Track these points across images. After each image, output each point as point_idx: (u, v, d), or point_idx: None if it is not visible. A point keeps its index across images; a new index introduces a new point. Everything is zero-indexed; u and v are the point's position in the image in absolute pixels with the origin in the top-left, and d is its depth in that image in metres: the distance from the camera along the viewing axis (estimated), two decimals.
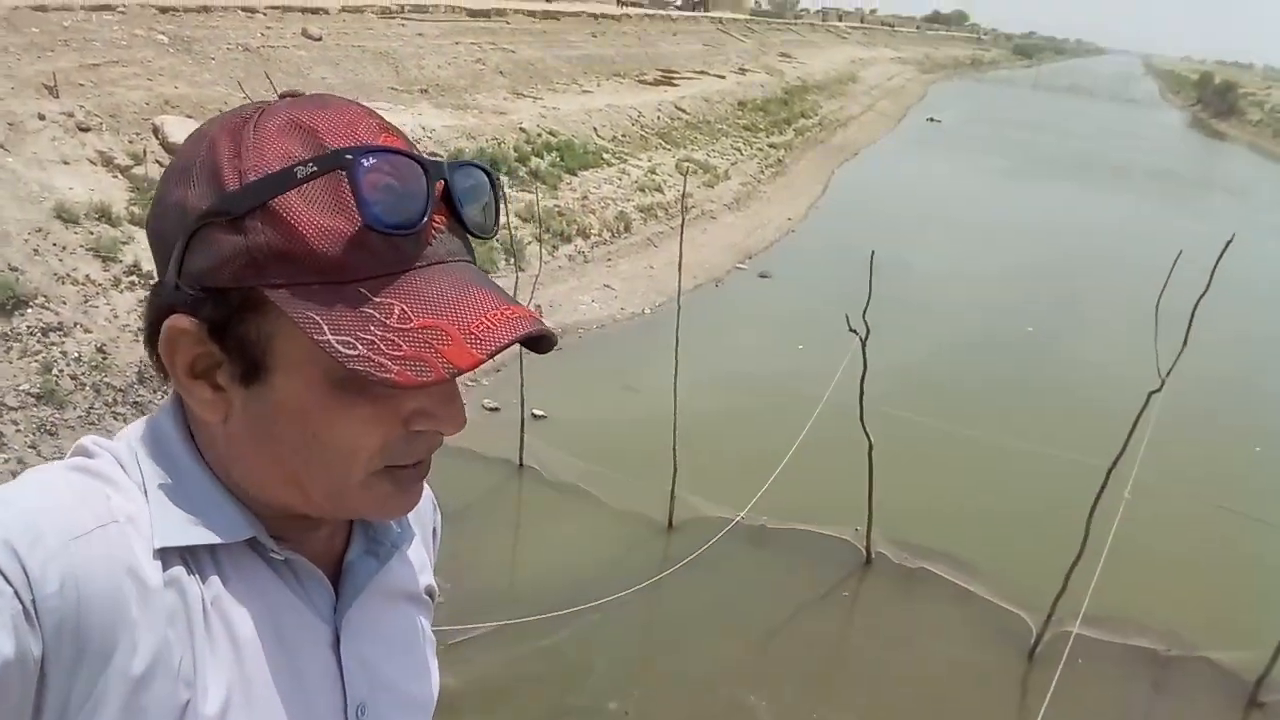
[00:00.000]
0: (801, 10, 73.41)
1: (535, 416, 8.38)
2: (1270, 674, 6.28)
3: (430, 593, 0.87)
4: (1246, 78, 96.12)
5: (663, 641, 6.48)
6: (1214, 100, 66.45)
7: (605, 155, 16.81)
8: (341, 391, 0.61)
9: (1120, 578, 7.14)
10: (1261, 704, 6.33)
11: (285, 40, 15.64)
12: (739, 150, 20.96)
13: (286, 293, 0.59)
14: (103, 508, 0.61)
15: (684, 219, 7.97)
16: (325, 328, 0.58)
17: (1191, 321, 5.51)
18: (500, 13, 24.43)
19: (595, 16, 29.56)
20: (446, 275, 0.62)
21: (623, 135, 18.40)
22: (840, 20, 72.78)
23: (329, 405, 0.62)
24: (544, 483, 7.64)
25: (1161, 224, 20.05)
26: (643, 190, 15.74)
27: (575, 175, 15.25)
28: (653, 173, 16.55)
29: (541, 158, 15.22)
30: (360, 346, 0.58)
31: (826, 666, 6.48)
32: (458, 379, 0.62)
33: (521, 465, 7.79)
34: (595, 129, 17.85)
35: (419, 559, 0.85)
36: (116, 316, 7.66)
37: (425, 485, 0.88)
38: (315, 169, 0.58)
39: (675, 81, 25.07)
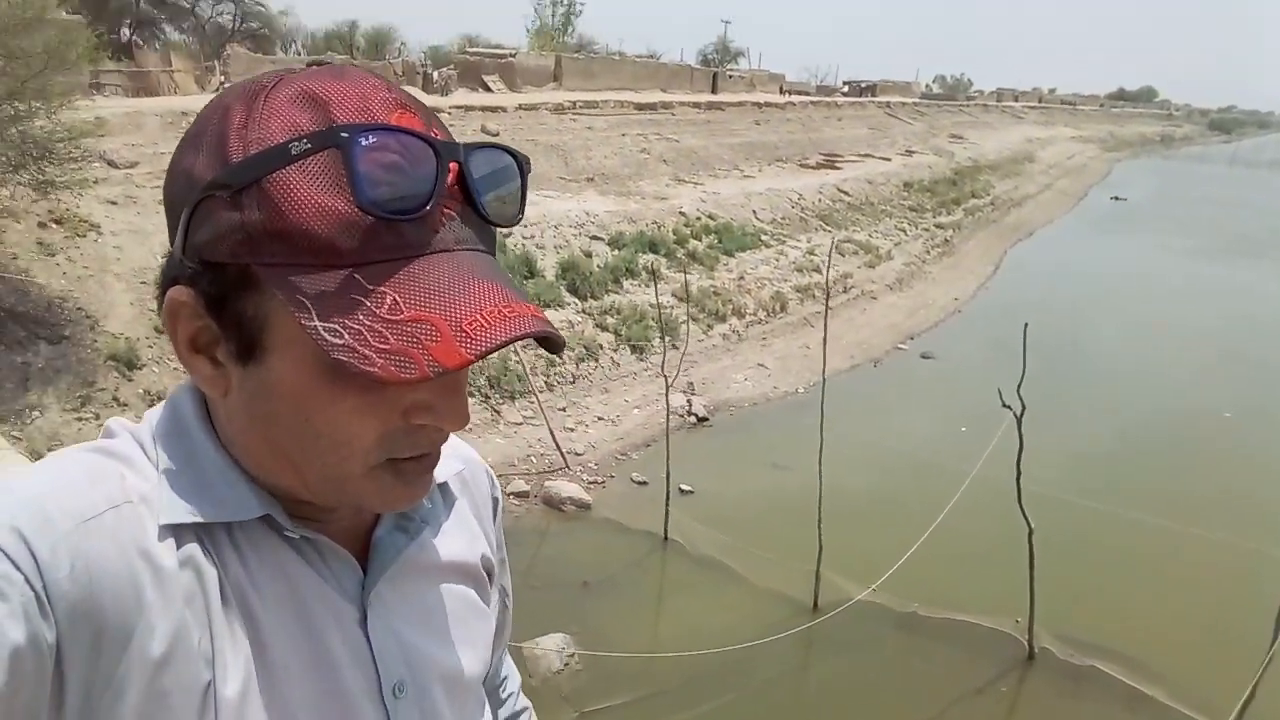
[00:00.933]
0: (975, 92, 72.10)
1: (682, 491, 8.42)
2: (1248, 706, 5.36)
3: (487, 566, 0.83)
4: None
5: None
6: None
7: (763, 237, 16.99)
8: (335, 378, 0.58)
9: (1087, 601, 6.42)
10: None
11: (465, 137, 16.88)
12: (903, 231, 20.66)
13: (280, 272, 0.56)
14: (116, 488, 0.59)
15: (828, 291, 7.91)
16: (314, 313, 0.55)
17: None
18: (666, 105, 25.45)
19: (759, 105, 30.25)
20: (450, 265, 0.57)
21: (782, 218, 18.57)
22: (1016, 100, 70.97)
23: (321, 391, 0.59)
24: (687, 556, 7.62)
25: None
26: (800, 270, 15.76)
27: (733, 256, 15.49)
28: (811, 253, 16.56)
29: (700, 240, 15.58)
30: (346, 335, 0.54)
31: None
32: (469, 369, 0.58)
33: (666, 538, 7.81)
34: (755, 212, 18.12)
35: (469, 531, 0.82)
36: None
37: (479, 458, 0.87)
38: (309, 146, 0.54)
39: (838, 165, 25.15)
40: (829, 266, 9.30)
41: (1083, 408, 11.44)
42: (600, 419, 10.17)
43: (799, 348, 12.91)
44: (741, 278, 14.77)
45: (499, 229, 0.63)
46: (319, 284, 0.55)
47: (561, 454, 9.18)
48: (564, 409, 10.15)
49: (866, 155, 28.45)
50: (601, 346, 11.44)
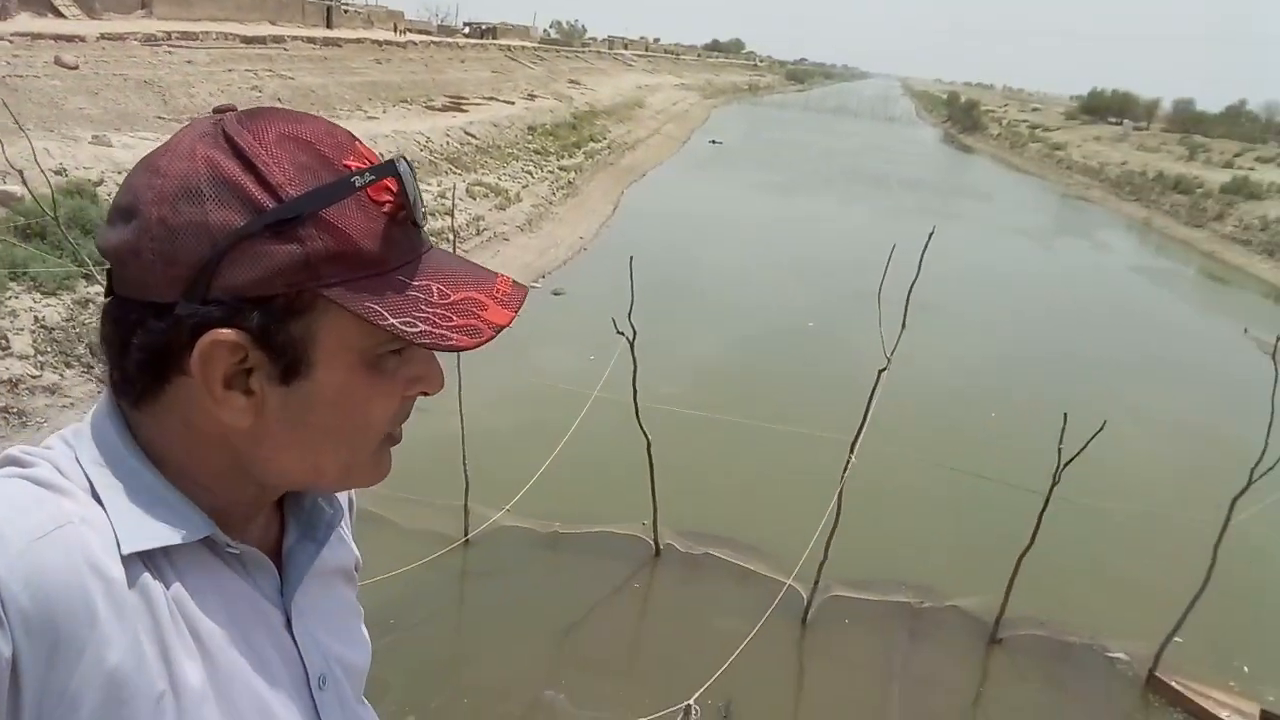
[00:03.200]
0: (589, 39, 75.11)
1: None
2: (1004, 614, 7.20)
3: (356, 565, 0.92)
4: (988, 97, 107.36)
5: (463, 653, 6.56)
6: (961, 117, 73.69)
7: None
8: (373, 371, 0.69)
9: (873, 541, 7.96)
10: (1000, 640, 7.24)
11: (36, 70, 14.54)
12: (530, 173, 21.31)
13: (342, 289, 0.65)
14: (56, 510, 0.62)
15: (455, 234, 8.11)
16: (385, 313, 0.65)
17: (908, 305, 6.26)
18: (278, 40, 23.67)
19: (379, 43, 29.16)
20: (440, 255, 0.72)
21: (411, 161, 18.30)
22: (626, 48, 75.13)
23: (365, 385, 0.69)
24: None
25: (917, 225, 22.08)
26: (432, 215, 15.73)
27: None
28: (442, 197, 16.59)
29: None
30: (420, 324, 0.65)
31: (623, 654, 6.82)
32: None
33: None
34: (381, 155, 17.65)
35: (343, 536, 0.89)
36: None
37: None
38: (372, 178, 0.67)
39: (464, 107, 25.15)
40: (454, 210, 9.46)
41: (691, 328, 12.86)
42: None
43: None
44: None
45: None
46: (378, 290, 0.66)
47: None
48: None
49: (491, 98, 28.71)
50: None
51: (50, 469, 0.65)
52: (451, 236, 8.73)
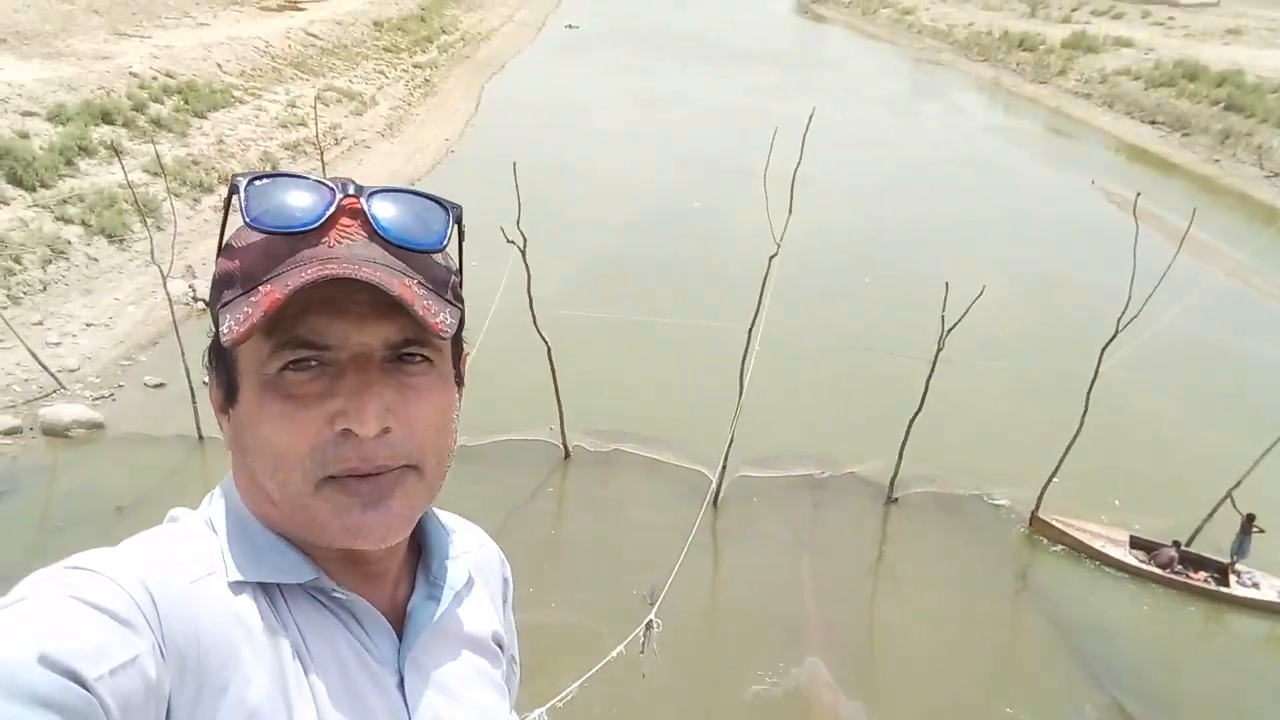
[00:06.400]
0: None
1: (206, 384, 7.90)
2: (898, 476, 7.66)
3: (498, 640, 0.88)
4: None
5: None
6: None
7: (236, 93, 15.52)
8: (270, 392, 0.66)
9: (775, 419, 8.26)
10: (895, 499, 7.72)
11: None
12: (383, 74, 20.19)
13: (224, 309, 0.66)
14: (205, 558, 0.68)
15: (321, 146, 7.68)
16: (225, 323, 0.65)
17: (793, 188, 6.34)
18: None
19: None
20: (335, 265, 0.65)
21: (252, 69, 17.04)
22: None
23: (259, 407, 0.67)
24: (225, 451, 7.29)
25: (781, 101, 22.15)
26: (285, 126, 14.81)
27: (205, 119, 13.98)
28: (293, 106, 15.59)
29: (162, 104, 13.76)
30: (230, 323, 0.64)
31: (545, 555, 6.94)
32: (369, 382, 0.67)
33: (201, 438, 7.37)
34: (219, 65, 16.36)
35: (484, 608, 0.88)
36: None
37: (493, 543, 0.95)
38: (228, 194, 0.72)
39: (301, 5, 23.40)
40: (317, 119, 8.93)
41: (578, 225, 12.68)
42: (90, 325, 8.95)
43: None
44: (221, 141, 13.48)
45: (431, 253, 0.71)
46: (240, 305, 0.65)
47: (51, 373, 8.00)
48: (40, 322, 8.74)
49: None
50: (70, 242, 9.87)
51: (197, 523, 0.72)
52: (316, 151, 8.23)
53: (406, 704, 0.74)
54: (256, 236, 0.67)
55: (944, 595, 6.94)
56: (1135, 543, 7.30)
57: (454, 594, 0.81)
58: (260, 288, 0.64)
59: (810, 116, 6.14)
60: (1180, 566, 7.10)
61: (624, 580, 6.55)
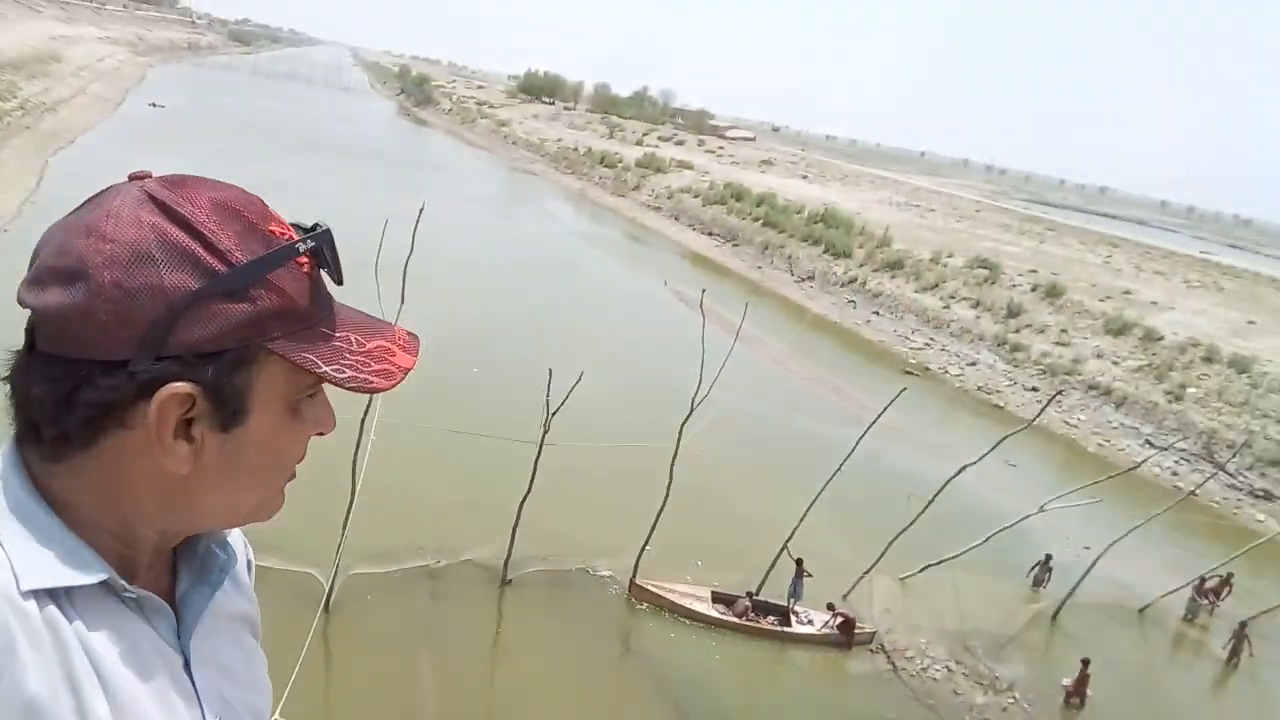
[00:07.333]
0: None
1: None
2: (511, 557, 7.94)
3: (255, 618, 0.92)
4: (435, 72, 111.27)
5: None
6: (414, 91, 75.49)
7: None
8: (293, 415, 0.75)
9: (388, 513, 8.16)
10: (509, 580, 7.97)
11: None
12: None
13: (284, 342, 0.71)
14: None
15: None
16: (319, 362, 0.71)
17: (405, 278, 6.50)
18: None
19: None
20: (346, 309, 0.79)
21: None
22: None
23: (286, 429, 0.75)
24: None
25: (387, 197, 22.34)
26: None
27: None
28: None
29: None
30: (347, 370, 0.72)
31: None
32: None
33: None
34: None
35: (243, 586, 0.90)
36: None
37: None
38: (313, 245, 0.74)
39: None
40: None
41: None
42: None
43: None
44: None
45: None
46: (310, 340, 0.72)
47: None
48: None
49: None
50: None
51: None
52: None
53: (194, 683, 0.78)
54: (295, 278, 0.74)
55: (558, 666, 7.28)
56: (716, 597, 8.26)
57: (225, 576, 0.85)
58: (364, 339, 0.77)
59: (420, 210, 6.39)
60: (753, 614, 8.16)
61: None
